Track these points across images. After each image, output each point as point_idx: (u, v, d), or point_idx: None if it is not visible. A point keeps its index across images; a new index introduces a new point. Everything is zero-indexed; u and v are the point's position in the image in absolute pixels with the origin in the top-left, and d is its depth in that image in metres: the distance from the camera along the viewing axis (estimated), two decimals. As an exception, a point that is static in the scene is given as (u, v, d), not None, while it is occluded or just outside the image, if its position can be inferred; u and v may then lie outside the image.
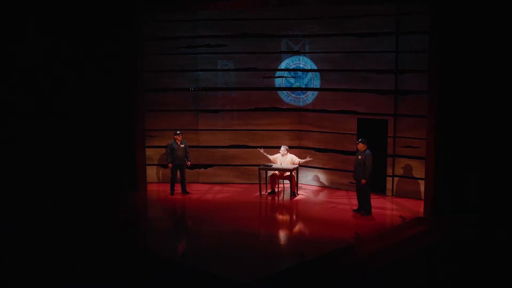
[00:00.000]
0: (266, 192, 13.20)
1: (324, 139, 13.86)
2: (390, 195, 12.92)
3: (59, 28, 12.44)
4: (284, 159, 13.04)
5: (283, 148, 13.08)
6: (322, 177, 13.98)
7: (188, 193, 13.17)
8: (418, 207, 11.78)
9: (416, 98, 12.34)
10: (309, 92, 13.99)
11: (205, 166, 14.36)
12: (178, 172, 13.10)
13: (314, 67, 13.84)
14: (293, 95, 14.15)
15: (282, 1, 12.81)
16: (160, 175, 14.29)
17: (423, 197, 11.80)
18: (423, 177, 11.63)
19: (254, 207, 12.48)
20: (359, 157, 11.38)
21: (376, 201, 11.96)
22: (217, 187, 13.95)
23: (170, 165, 13.00)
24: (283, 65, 14.06)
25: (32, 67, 12.33)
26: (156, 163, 14.23)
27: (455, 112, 10.91)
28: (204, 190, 13.69)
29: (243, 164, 14.24)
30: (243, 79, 14.05)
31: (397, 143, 12.83)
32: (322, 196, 13.20)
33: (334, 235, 10.22)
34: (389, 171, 12.92)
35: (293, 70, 14.05)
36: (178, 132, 13.03)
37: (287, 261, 9.01)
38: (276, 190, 13.30)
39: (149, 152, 13.92)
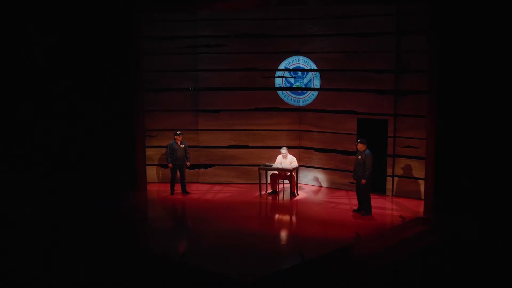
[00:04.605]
0: (266, 192, 13.20)
1: (324, 139, 13.86)
2: (390, 195, 12.92)
3: (59, 28, 12.43)
4: (285, 160, 13.04)
5: (284, 150, 13.07)
6: (322, 177, 13.98)
7: (188, 193, 13.18)
8: (418, 207, 11.78)
9: (416, 98, 12.35)
10: (309, 92, 13.99)
11: (205, 166, 14.37)
12: (178, 172, 13.10)
13: (314, 67, 13.84)
14: (293, 95, 14.15)
15: (282, 1, 12.81)
16: (160, 175, 14.30)
17: (423, 197, 11.80)
18: (423, 177, 11.64)
19: (254, 207, 12.49)
20: (359, 157, 11.38)
21: (376, 201, 11.97)
22: (217, 187, 13.95)
23: (170, 165, 13.00)
24: (283, 65, 14.06)
25: (33, 66, 12.33)
26: (156, 163, 14.24)
27: (455, 112, 10.90)
28: (204, 190, 13.69)
29: (243, 164, 14.24)
30: (243, 79, 14.05)
31: (397, 143, 12.83)
32: (322, 196, 13.20)
33: (334, 235, 10.22)
34: (389, 171, 12.93)
35: (293, 70, 14.05)
36: (178, 132, 13.03)
37: (287, 261, 9.01)
38: (277, 190, 13.31)
39: (149, 152, 13.92)
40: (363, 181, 11.28)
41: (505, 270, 8.90)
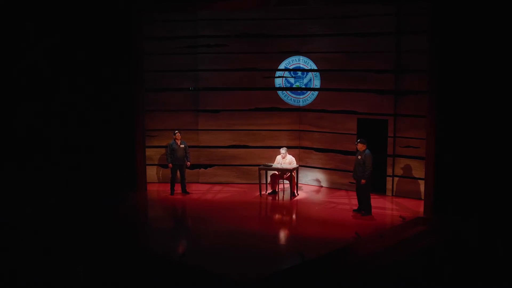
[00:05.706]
0: (266, 192, 13.20)
1: (324, 139, 13.86)
2: (390, 195, 12.92)
3: (59, 28, 12.43)
4: (284, 160, 13.04)
5: (283, 150, 13.07)
6: (322, 177, 13.98)
7: (188, 193, 13.18)
8: (418, 207, 11.78)
9: (416, 98, 12.35)
10: (309, 92, 13.99)
11: (205, 166, 14.37)
12: (178, 172, 13.10)
13: (314, 67, 13.84)
14: (293, 95, 14.15)
15: (282, 1, 12.81)
16: (160, 175, 14.30)
17: (423, 197, 11.80)
18: (423, 177, 11.64)
19: (254, 207, 12.48)
20: (359, 157, 11.38)
21: (376, 201, 11.97)
22: (217, 187, 13.95)
23: (170, 165, 13.01)
24: (283, 65, 14.06)
25: (34, 65, 12.34)
26: (156, 163, 14.24)
27: (455, 112, 10.91)
28: (204, 190, 13.69)
29: (243, 164, 14.24)
30: (243, 79, 14.04)
31: (397, 143, 12.83)
32: (322, 196, 13.20)
33: (334, 235, 10.22)
34: (389, 171, 12.92)
35: (293, 70, 14.05)
36: (176, 131, 13.03)
37: (287, 261, 9.01)
38: (277, 190, 13.31)
39: (149, 152, 13.92)
40: (363, 181, 11.28)
41: (505, 270, 8.89)
